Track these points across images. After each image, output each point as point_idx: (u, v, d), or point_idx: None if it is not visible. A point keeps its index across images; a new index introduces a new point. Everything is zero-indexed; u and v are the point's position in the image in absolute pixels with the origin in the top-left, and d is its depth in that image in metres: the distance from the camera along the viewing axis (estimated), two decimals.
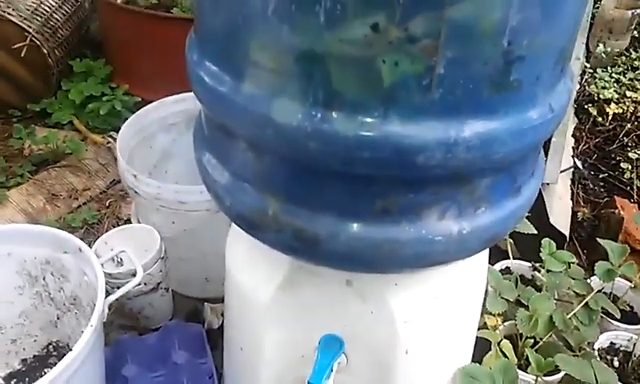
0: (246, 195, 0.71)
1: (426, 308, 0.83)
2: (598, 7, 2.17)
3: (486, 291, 1.07)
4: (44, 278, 1.02)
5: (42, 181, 1.99)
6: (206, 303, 1.31)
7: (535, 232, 1.17)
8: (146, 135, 1.37)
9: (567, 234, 1.46)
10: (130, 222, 1.41)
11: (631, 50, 2.09)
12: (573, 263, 1.14)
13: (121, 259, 1.20)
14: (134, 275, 1.06)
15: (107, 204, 2.01)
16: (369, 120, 0.58)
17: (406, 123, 0.58)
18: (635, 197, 1.57)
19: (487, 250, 0.95)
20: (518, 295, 1.08)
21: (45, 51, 2.13)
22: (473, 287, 0.89)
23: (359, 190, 0.64)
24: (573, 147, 1.70)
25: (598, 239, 1.18)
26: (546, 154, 1.46)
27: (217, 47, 0.66)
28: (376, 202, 0.65)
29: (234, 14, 0.60)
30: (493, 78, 0.58)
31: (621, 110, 1.70)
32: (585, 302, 1.07)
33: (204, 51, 0.69)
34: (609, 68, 1.93)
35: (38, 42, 2.09)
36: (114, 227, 1.91)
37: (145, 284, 1.16)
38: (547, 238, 1.14)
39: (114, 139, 2.09)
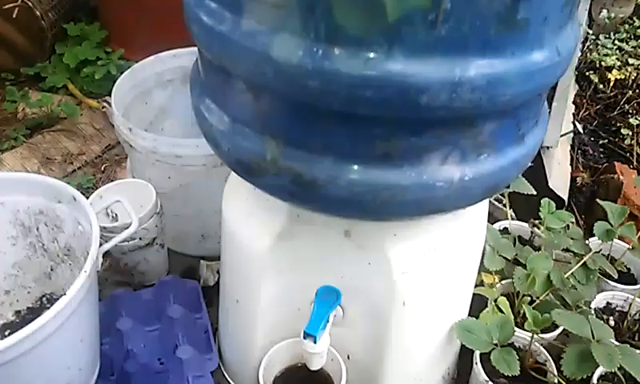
0: (244, 139, 0.70)
1: (424, 259, 0.83)
2: None
3: (484, 250, 1.07)
4: (37, 229, 1.01)
5: (36, 144, 1.97)
6: (201, 260, 1.30)
7: (534, 193, 1.16)
8: (142, 91, 1.34)
9: (565, 198, 1.45)
10: None
11: (635, 18, 2.06)
12: (572, 223, 1.13)
13: (116, 215, 1.19)
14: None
15: (102, 169, 1.99)
16: (372, 57, 0.57)
17: (411, 61, 0.57)
18: (635, 163, 1.56)
19: (487, 205, 0.94)
20: (516, 254, 1.08)
21: (37, 13, 2.09)
22: (471, 241, 0.89)
23: (360, 132, 0.63)
24: (573, 114, 1.69)
25: (597, 200, 1.17)
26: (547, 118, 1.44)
27: None
28: (377, 145, 0.64)
29: None
30: (500, 16, 0.56)
31: (623, 76, 1.69)
32: (583, 261, 1.07)
33: None
34: (611, 34, 1.90)
35: (30, 3, 2.04)
36: None
37: (140, 238, 1.15)
38: (546, 198, 1.13)
39: (110, 104, 2.06)
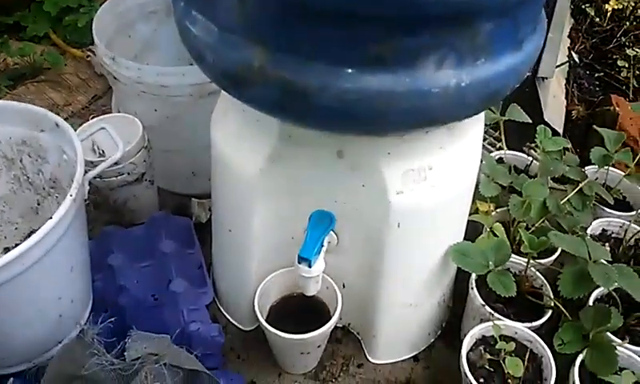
0: (230, 48, 0.66)
1: (419, 179, 0.81)
2: None
3: (479, 178, 1.05)
4: (21, 160, 0.98)
5: (20, 96, 1.91)
6: (193, 198, 1.28)
7: (530, 121, 1.14)
8: (125, 23, 1.29)
9: (561, 131, 1.43)
10: None
11: None
12: (568, 149, 1.11)
13: (102, 151, 1.15)
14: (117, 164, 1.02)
15: (89, 119, 1.95)
16: None
17: None
18: (631, 95, 1.53)
19: (482, 126, 0.91)
20: (511, 182, 1.06)
21: None
22: (467, 162, 0.87)
23: (352, 32, 0.60)
24: (569, 47, 1.65)
25: (594, 127, 1.15)
26: (543, 48, 1.41)
27: None
28: (370, 48, 0.61)
29: None
30: None
31: (620, 6, 1.64)
32: (579, 187, 1.06)
33: None
34: None
35: None
36: None
37: (128, 173, 1.12)
38: (542, 125, 1.11)
39: (94, 53, 2.00)
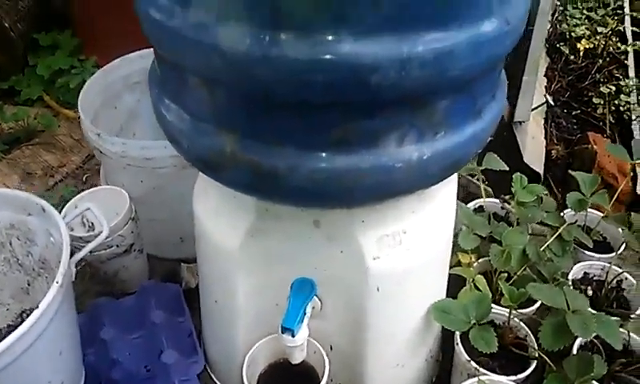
0: (202, 135, 0.69)
1: (394, 243, 0.83)
2: None
3: (459, 229, 1.07)
4: (10, 243, 1.00)
5: (15, 160, 1.95)
6: (182, 263, 1.29)
7: (507, 169, 1.17)
8: (111, 95, 1.33)
9: (541, 172, 1.46)
10: None
11: None
12: (545, 195, 1.13)
13: (92, 224, 1.18)
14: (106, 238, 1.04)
15: (84, 179, 1.98)
16: (319, 40, 0.56)
17: (358, 41, 0.56)
18: (608, 131, 1.57)
19: (455, 184, 0.94)
20: (491, 231, 1.08)
21: (6, 25, 2.06)
22: (441, 221, 0.89)
23: (315, 119, 0.63)
24: (545, 86, 1.69)
25: (569, 171, 1.18)
26: (518, 93, 1.44)
27: None
28: (333, 132, 0.64)
29: None
30: None
31: (592, 45, 1.69)
32: (558, 233, 1.08)
33: None
34: (579, 3, 1.91)
35: None
36: None
37: (117, 246, 1.14)
38: (518, 173, 1.14)
39: None
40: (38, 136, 2.06)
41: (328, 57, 0.57)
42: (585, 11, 1.83)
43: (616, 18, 1.82)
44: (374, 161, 0.65)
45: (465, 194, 1.34)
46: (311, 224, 0.82)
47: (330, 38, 0.56)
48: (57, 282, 0.81)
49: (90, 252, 1.09)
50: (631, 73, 1.69)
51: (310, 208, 0.78)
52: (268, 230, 0.84)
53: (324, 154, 0.65)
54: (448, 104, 0.65)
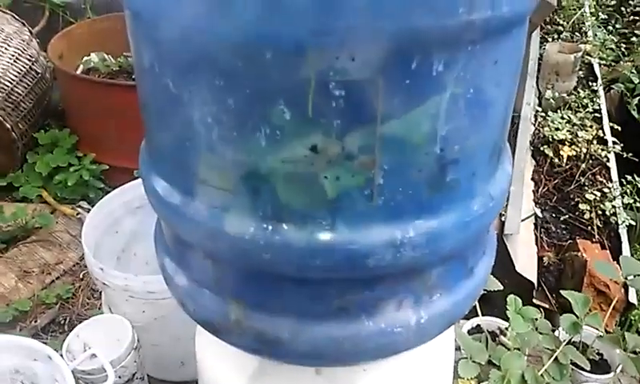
0: (208, 301, 0.73)
1: None
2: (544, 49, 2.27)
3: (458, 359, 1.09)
4: None
5: (12, 258, 1.96)
6: None
7: (501, 288, 1.20)
8: (112, 221, 1.37)
9: (535, 280, 1.49)
10: None
11: (579, 89, 2.18)
12: (539, 318, 1.16)
13: (94, 354, 1.19)
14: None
15: (81, 276, 1.99)
16: (318, 229, 0.61)
17: (354, 230, 0.61)
18: (596, 237, 1.61)
19: (451, 330, 0.96)
20: (489, 356, 1.10)
21: (8, 126, 2.12)
22: (441, 359, 0.91)
23: (316, 292, 0.66)
24: (533, 191, 1.75)
25: (561, 291, 1.21)
26: (506, 204, 1.50)
27: (166, 165, 0.68)
28: (333, 302, 0.67)
29: (181, 136, 0.63)
30: (430, 182, 0.61)
31: (574, 152, 1.77)
32: (554, 356, 1.10)
33: (155, 166, 0.71)
34: (560, 109, 2.00)
35: (0, 118, 2.08)
36: (89, 300, 1.89)
37: (120, 377, 1.15)
38: (512, 295, 1.17)
39: (84, 209, 2.09)
40: (36, 233, 2.09)
41: (325, 244, 0.61)
42: (565, 116, 1.92)
43: (594, 125, 1.91)
44: (373, 327, 0.68)
45: None
46: (313, 371, 0.84)
47: (326, 227, 0.60)
48: None
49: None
50: (614, 176, 1.76)
51: (310, 366, 0.80)
52: (271, 376, 0.86)
53: (325, 322, 0.68)
54: (442, 270, 0.69)
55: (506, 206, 1.46)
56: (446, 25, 0.51)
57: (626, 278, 1.20)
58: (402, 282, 0.67)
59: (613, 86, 2.51)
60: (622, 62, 2.71)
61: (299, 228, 0.61)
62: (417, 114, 0.56)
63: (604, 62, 2.62)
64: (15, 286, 1.87)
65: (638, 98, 2.49)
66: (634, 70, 2.55)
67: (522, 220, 1.50)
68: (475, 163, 0.64)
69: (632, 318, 1.54)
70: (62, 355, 1.04)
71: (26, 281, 1.89)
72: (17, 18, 2.32)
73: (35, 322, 1.73)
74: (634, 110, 2.46)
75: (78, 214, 2.13)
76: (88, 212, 2.09)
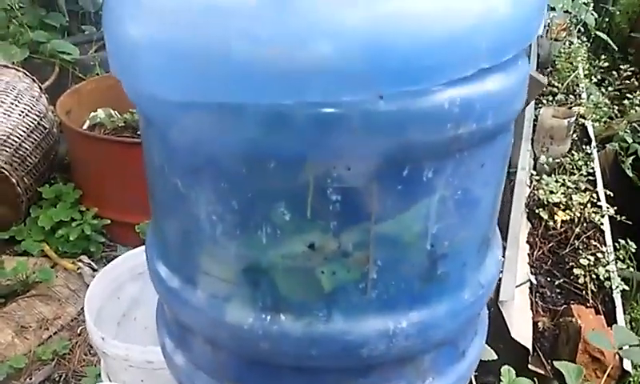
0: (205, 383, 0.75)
1: None
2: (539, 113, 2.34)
3: None
4: None
5: (10, 313, 1.97)
6: None
7: (496, 358, 1.22)
8: (115, 287, 1.40)
9: (530, 346, 1.50)
10: None
11: (573, 152, 2.24)
12: None
13: None
14: None
15: (78, 331, 1.99)
16: (315, 320, 0.64)
17: (349, 321, 0.64)
18: (591, 301, 1.63)
19: None
20: None
21: (14, 181, 2.16)
22: None
23: (313, 380, 0.69)
24: (528, 254, 1.78)
25: (554, 363, 1.22)
26: (501, 269, 1.52)
27: (170, 252, 0.71)
28: None
29: (186, 229, 0.66)
30: (421, 276, 0.64)
31: (568, 216, 1.81)
32: None
33: (159, 251, 0.74)
34: (555, 173, 2.05)
35: (6, 173, 2.12)
36: (86, 356, 1.89)
37: None
38: (506, 366, 1.18)
39: (85, 263, 2.11)
40: (35, 287, 2.10)
41: (321, 334, 0.64)
42: (559, 179, 1.96)
43: (589, 188, 1.95)
44: None
45: None
46: None
47: (322, 318, 0.63)
48: None
49: None
50: (608, 240, 1.79)
51: None
52: None
53: None
54: (433, 356, 0.72)
55: (501, 271, 1.49)
56: (435, 139, 0.55)
57: (620, 348, 1.22)
58: (395, 369, 0.70)
59: (607, 145, 2.56)
60: (616, 121, 2.77)
61: (297, 319, 0.64)
62: (408, 215, 0.60)
63: (598, 122, 2.69)
64: (12, 341, 1.87)
65: (632, 157, 2.55)
66: (627, 130, 2.62)
67: (517, 286, 1.52)
68: (465, 255, 0.67)
69: (631, 381, 1.55)
70: None
71: (22, 336, 1.90)
72: (28, 74, 2.40)
73: (30, 379, 1.73)
74: (628, 168, 2.51)
75: (78, 269, 2.15)
76: (89, 266, 2.12)
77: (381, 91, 0.51)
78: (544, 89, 2.59)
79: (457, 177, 0.60)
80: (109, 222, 2.21)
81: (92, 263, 2.15)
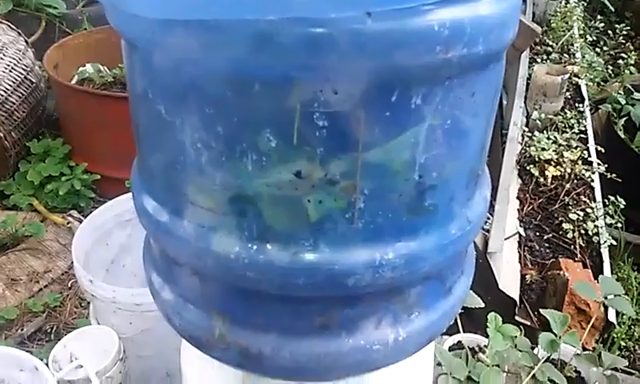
0: (193, 316, 0.75)
1: None
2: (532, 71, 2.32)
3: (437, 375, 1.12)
4: None
5: (0, 266, 1.97)
6: None
7: (482, 305, 1.23)
8: (103, 233, 1.39)
9: (517, 297, 1.52)
10: None
11: (566, 110, 2.23)
12: (518, 336, 1.19)
13: (80, 365, 1.20)
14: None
15: (69, 285, 2.00)
16: (300, 250, 0.63)
17: (335, 251, 0.63)
18: (579, 256, 1.65)
19: (431, 346, 0.99)
20: (469, 372, 1.12)
21: (1, 135, 2.14)
22: (420, 375, 0.93)
23: (298, 309, 0.69)
24: (518, 209, 1.79)
25: (541, 310, 1.24)
26: (491, 220, 1.53)
27: (157, 185, 0.70)
28: (315, 319, 0.69)
29: (172, 159, 0.65)
30: (409, 206, 0.63)
31: (559, 173, 1.81)
32: (532, 374, 1.12)
33: (145, 185, 0.73)
34: (547, 130, 2.05)
35: None
36: (76, 309, 1.90)
37: None
38: (493, 313, 1.20)
39: (74, 218, 2.10)
40: (25, 241, 2.10)
41: (307, 263, 0.63)
42: (551, 136, 1.96)
43: (580, 145, 1.95)
44: (353, 343, 0.71)
45: None
46: None
47: (308, 248, 0.63)
48: None
49: None
50: (598, 196, 1.80)
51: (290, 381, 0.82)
52: None
53: (307, 338, 0.70)
54: (420, 290, 0.72)
55: (491, 223, 1.50)
56: (424, 63, 0.54)
57: (605, 298, 1.23)
58: (381, 301, 0.70)
59: (600, 106, 2.56)
60: (609, 83, 2.76)
61: (282, 248, 0.63)
62: (396, 144, 0.59)
63: (592, 82, 2.68)
64: (2, 293, 1.88)
65: (624, 118, 2.55)
66: (621, 91, 2.61)
67: (506, 238, 1.53)
68: (453, 188, 0.67)
69: (614, 335, 1.58)
70: (47, 365, 1.06)
71: (13, 289, 1.90)
72: (13, 27, 2.34)
73: (22, 330, 1.74)
74: (620, 130, 2.51)
75: (68, 223, 2.14)
76: (78, 221, 2.12)
77: (369, 8, 0.50)
78: (539, 47, 2.57)
79: (446, 105, 0.59)
80: (98, 177, 2.20)
81: (82, 218, 2.14)
